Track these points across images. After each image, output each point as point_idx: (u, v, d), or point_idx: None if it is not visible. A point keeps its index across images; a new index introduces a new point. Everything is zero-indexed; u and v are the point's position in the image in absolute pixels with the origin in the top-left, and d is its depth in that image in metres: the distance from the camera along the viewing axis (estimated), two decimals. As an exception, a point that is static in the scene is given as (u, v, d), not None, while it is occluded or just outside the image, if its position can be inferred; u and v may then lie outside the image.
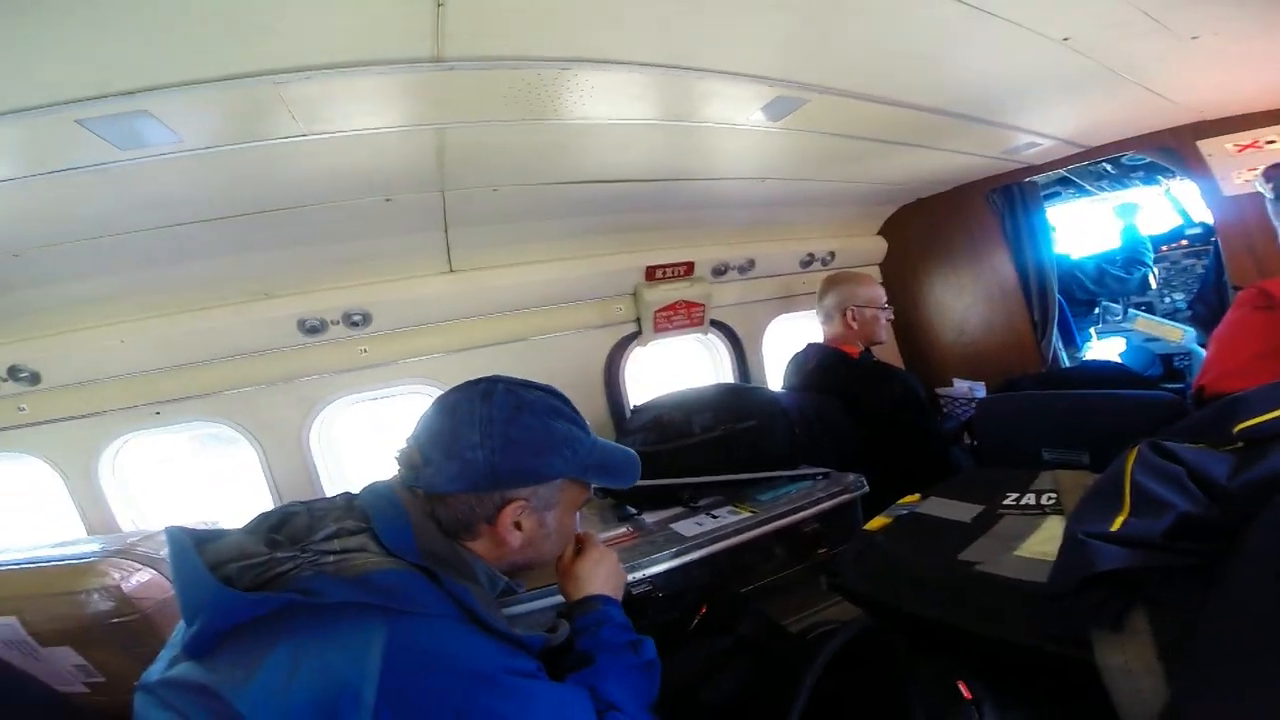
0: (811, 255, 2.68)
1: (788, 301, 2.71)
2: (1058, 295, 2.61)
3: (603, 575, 1.02)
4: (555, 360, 2.22)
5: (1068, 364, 2.69)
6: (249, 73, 0.98)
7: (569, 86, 1.23)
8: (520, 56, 1.10)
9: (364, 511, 0.87)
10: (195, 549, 0.78)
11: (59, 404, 1.85)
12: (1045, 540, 1.02)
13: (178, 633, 0.81)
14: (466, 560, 0.90)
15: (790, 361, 2.32)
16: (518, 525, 0.90)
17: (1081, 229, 3.10)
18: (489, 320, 2.18)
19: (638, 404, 2.16)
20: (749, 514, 1.60)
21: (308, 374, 1.97)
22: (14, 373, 1.74)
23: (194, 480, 2.19)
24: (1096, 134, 2.13)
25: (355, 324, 1.94)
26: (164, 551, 1.57)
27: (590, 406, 2.24)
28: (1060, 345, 2.68)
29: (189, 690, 0.71)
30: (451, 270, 2.09)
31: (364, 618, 0.71)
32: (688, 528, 1.57)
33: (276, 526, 0.87)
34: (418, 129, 1.30)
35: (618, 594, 1.03)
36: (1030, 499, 1.21)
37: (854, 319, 2.25)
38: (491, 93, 1.20)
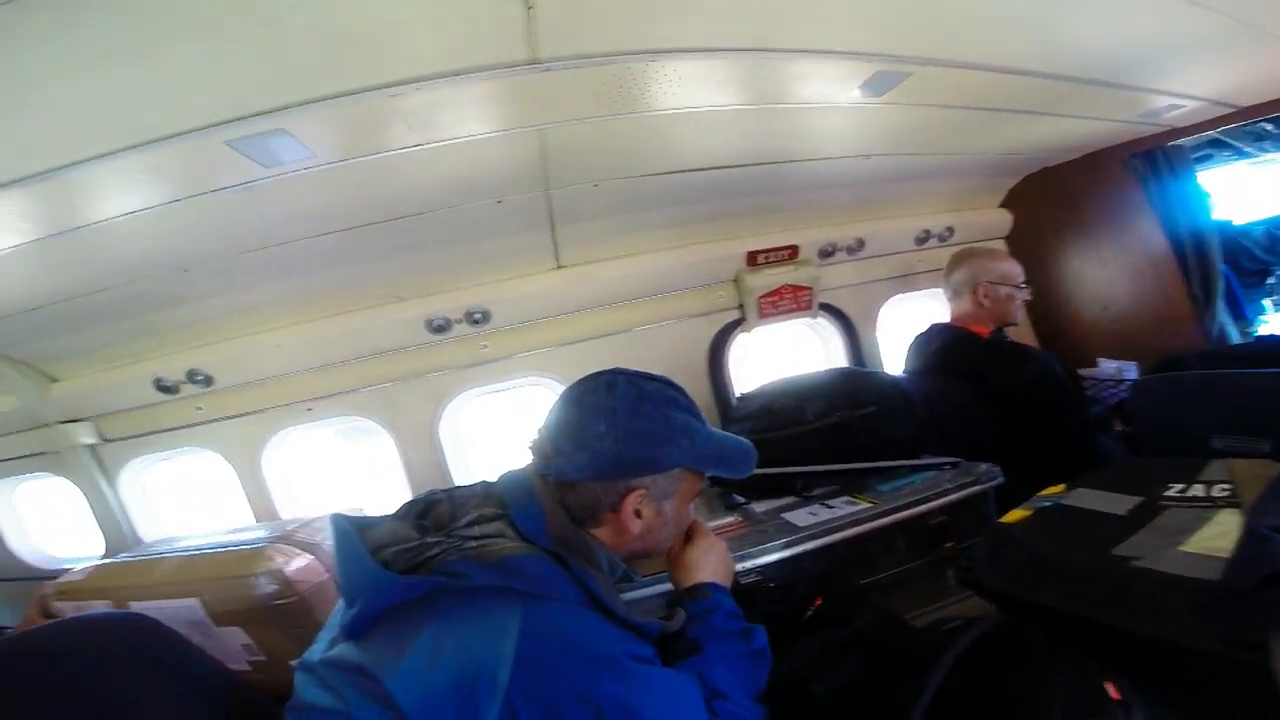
0: (927, 232, 2.52)
1: (904, 281, 2.55)
2: (1221, 266, 2.29)
3: (713, 563, 1.02)
4: (659, 349, 2.23)
5: (1238, 340, 2.36)
6: (366, 87, 1.05)
7: (657, 78, 1.23)
8: (609, 52, 1.11)
9: (501, 499, 0.92)
10: (357, 535, 0.84)
11: (229, 403, 2.09)
12: (1217, 535, 0.92)
13: (336, 615, 0.87)
14: (591, 547, 0.92)
15: (912, 343, 2.19)
16: (638, 513, 0.92)
17: (1243, 193, 2.72)
18: (596, 313, 2.22)
19: (744, 391, 2.13)
20: (868, 505, 1.53)
21: (436, 370, 2.11)
22: (192, 376, 2.00)
23: (339, 470, 2.40)
24: (1250, 93, 1.86)
25: (476, 322, 2.04)
26: (319, 537, 1.75)
27: (694, 394, 2.17)
28: (1228, 320, 2.35)
29: (346, 670, 0.76)
30: (559, 266, 2.16)
31: (502, 601, 0.75)
32: (801, 518, 1.53)
33: (423, 513, 0.93)
34: (520, 131, 1.35)
35: (727, 582, 1.03)
36: (1198, 490, 1.09)
37: (986, 296, 2.08)
38: (586, 90, 1.22)
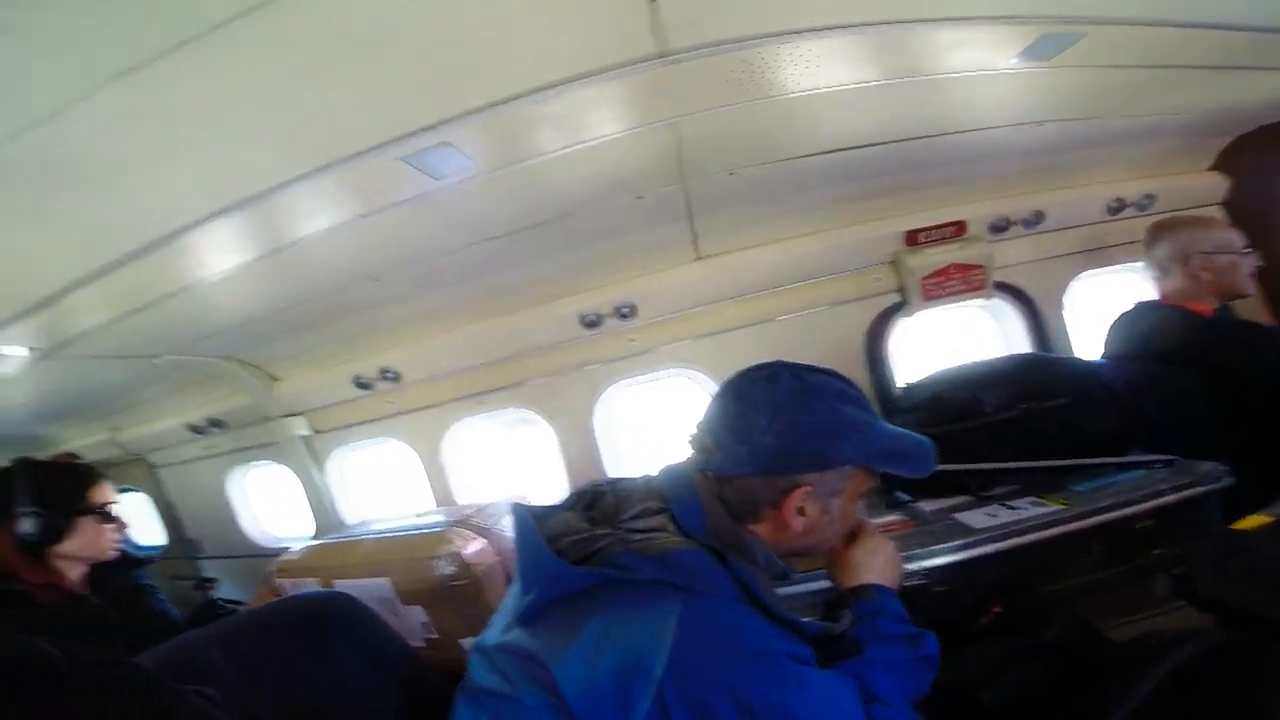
0: (1121, 200, 2.18)
1: (1096, 255, 2.23)
2: None
3: (879, 563, 0.98)
4: (809, 337, 2.14)
5: None
6: (513, 95, 1.10)
7: (790, 60, 1.18)
8: (737, 38, 1.08)
9: (662, 493, 0.92)
10: (536, 524, 0.88)
11: (414, 397, 2.34)
12: None
13: (510, 599, 0.91)
14: (749, 543, 0.90)
15: (1114, 325, 1.91)
16: (801, 511, 0.89)
17: None
18: (740, 303, 2.19)
19: (908, 381, 1.98)
20: (1059, 506, 1.39)
21: (590, 363, 2.20)
22: (384, 373, 2.25)
23: (508, 459, 2.58)
24: None
25: (624, 316, 2.10)
26: (491, 522, 1.88)
27: (849, 386, 2.10)
28: None
29: (517, 655, 0.79)
30: (699, 257, 2.15)
31: (663, 595, 0.75)
32: (976, 519, 1.42)
33: (590, 504, 0.95)
34: (654, 126, 1.35)
35: (895, 584, 0.99)
36: None
37: (1203, 269, 1.77)
38: (716, 79, 1.20)
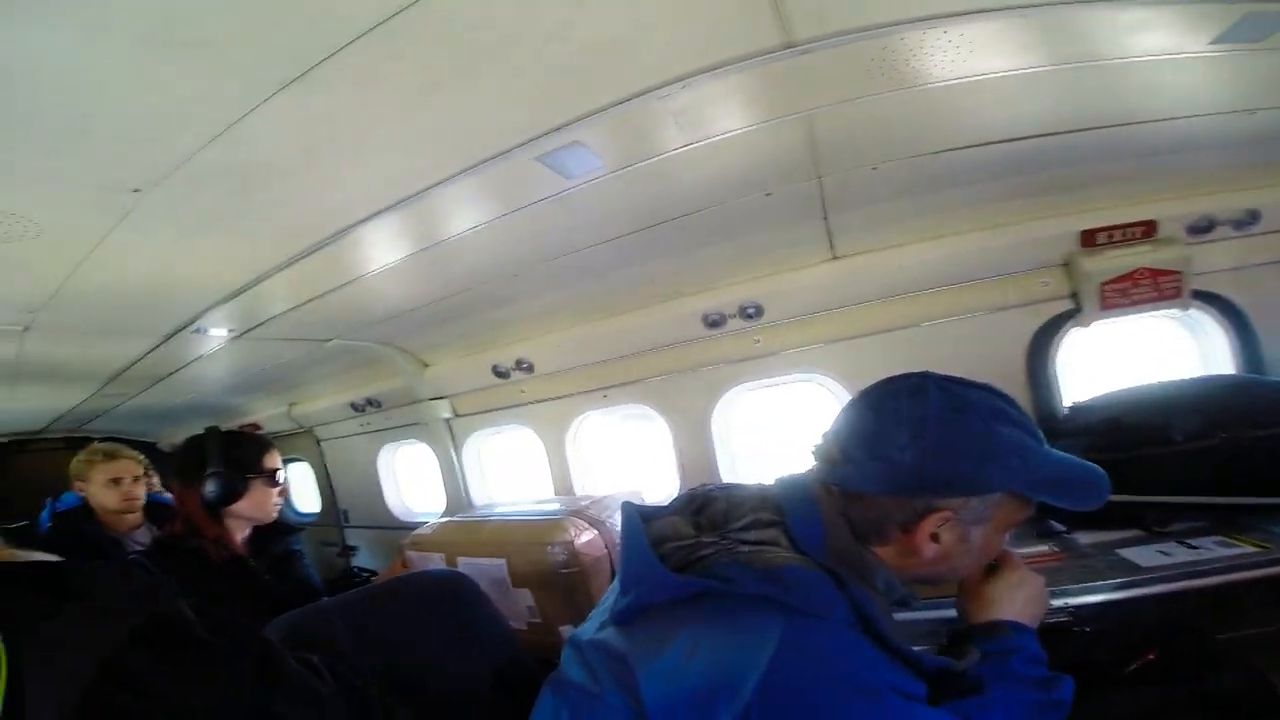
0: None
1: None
2: None
3: (1021, 601, 0.89)
4: (959, 347, 1.96)
5: None
6: (637, 91, 1.09)
7: (938, 46, 1.07)
8: (873, 25, 1.00)
9: (778, 504, 0.86)
10: (642, 524, 0.86)
11: (544, 388, 2.45)
12: None
13: (608, 597, 0.89)
14: (870, 565, 0.84)
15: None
16: (935, 537, 0.81)
17: None
18: (877, 306, 2.05)
19: (1076, 402, 1.76)
20: (1253, 549, 1.26)
21: (711, 364, 2.18)
22: (519, 364, 2.39)
23: (625, 453, 2.64)
24: None
25: (750, 316, 2.05)
26: (604, 514, 1.89)
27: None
28: None
29: (607, 655, 0.77)
30: (834, 257, 2.05)
31: (765, 612, 0.70)
32: (1146, 556, 1.31)
33: (699, 509, 0.91)
34: (784, 120, 1.29)
35: (1034, 623, 0.89)
36: None
37: None
38: (852, 68, 1.12)
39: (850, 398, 0.91)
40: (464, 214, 1.50)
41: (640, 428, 2.47)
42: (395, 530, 3.54)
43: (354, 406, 3.17)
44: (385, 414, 3.19)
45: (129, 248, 1.36)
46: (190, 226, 1.33)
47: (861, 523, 0.84)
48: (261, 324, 2.07)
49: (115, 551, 1.95)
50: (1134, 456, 1.49)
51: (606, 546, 1.80)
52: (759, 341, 2.11)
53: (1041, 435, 0.84)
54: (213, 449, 1.59)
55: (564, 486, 2.58)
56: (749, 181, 1.62)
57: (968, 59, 1.14)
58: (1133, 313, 1.81)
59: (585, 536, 1.75)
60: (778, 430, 2.31)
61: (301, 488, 4.48)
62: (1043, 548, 1.46)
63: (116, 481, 2.04)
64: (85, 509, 2.05)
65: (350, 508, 3.87)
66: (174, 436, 4.60)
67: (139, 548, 1.98)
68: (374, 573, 2.12)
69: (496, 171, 1.26)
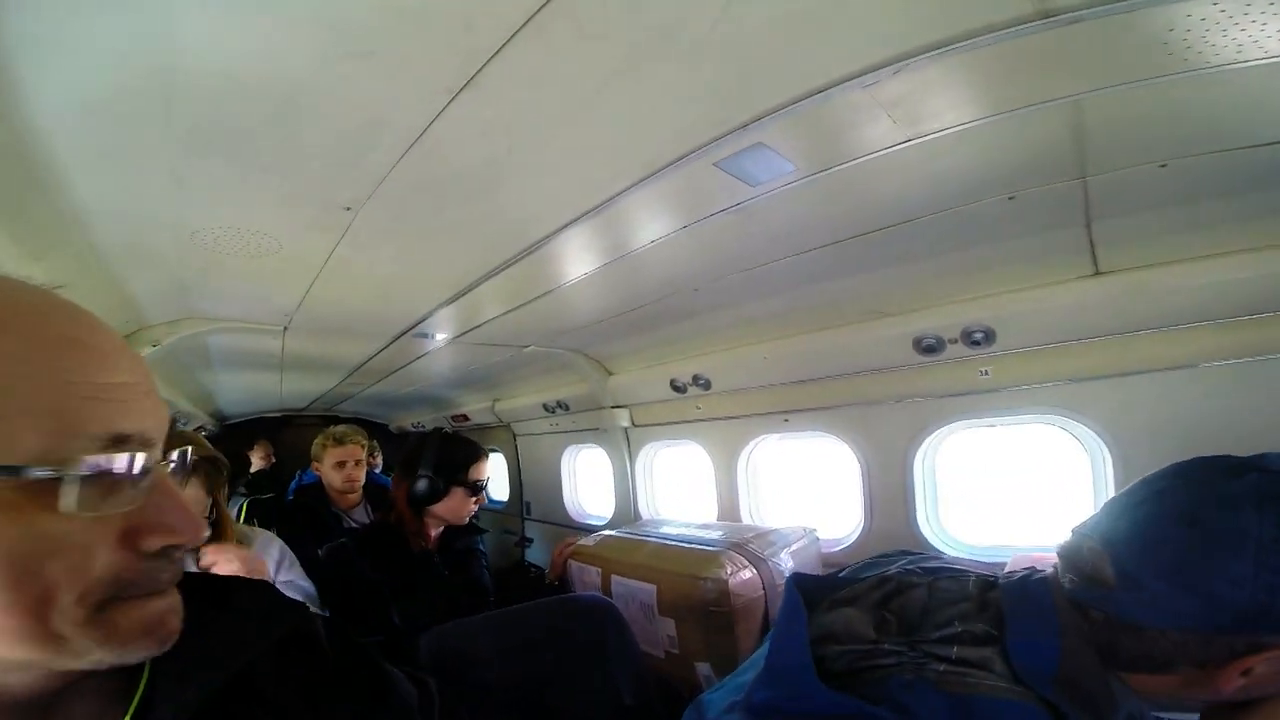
0: None
1: None
2: None
3: None
4: (1256, 398, 1.43)
5: None
6: (836, 80, 0.88)
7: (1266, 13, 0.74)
8: None
9: (999, 612, 0.65)
10: (806, 614, 0.71)
11: (720, 406, 2.34)
12: None
13: (749, 669, 0.76)
14: (1113, 695, 0.65)
15: None
16: (1247, 672, 0.61)
17: None
18: (1155, 336, 1.58)
19: None
20: None
21: (920, 395, 1.87)
22: (696, 379, 2.30)
23: (803, 484, 2.42)
24: None
25: (976, 342, 1.71)
26: (768, 551, 1.69)
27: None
28: None
29: None
30: (1097, 273, 1.62)
31: None
32: None
33: (889, 597, 0.73)
34: (1040, 108, 1.00)
35: None
36: None
37: None
38: (1136, 42, 0.83)
39: (1129, 484, 0.67)
40: (646, 225, 1.44)
41: (825, 459, 2.23)
42: (567, 529, 3.71)
43: (546, 407, 3.38)
44: (572, 417, 3.35)
45: (352, 262, 1.53)
46: (401, 242, 1.44)
47: (1129, 655, 0.63)
48: (470, 330, 2.27)
49: (336, 526, 2.27)
50: None
51: (764, 588, 1.63)
52: (987, 373, 1.76)
53: None
54: (428, 453, 1.73)
55: (730, 511, 2.44)
56: (985, 183, 1.33)
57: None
58: None
59: (742, 575, 1.60)
60: (1001, 483, 1.92)
61: (496, 477, 4.96)
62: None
63: (342, 464, 2.36)
64: (319, 486, 2.43)
65: (533, 501, 4.16)
66: (403, 421, 5.40)
67: (355, 525, 2.27)
68: (544, 569, 2.18)
69: (674, 179, 1.17)
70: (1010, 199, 1.38)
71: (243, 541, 1.50)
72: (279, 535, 2.27)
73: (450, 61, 0.82)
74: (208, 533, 0.40)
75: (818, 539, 1.94)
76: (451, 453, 1.73)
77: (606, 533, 2.11)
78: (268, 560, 1.51)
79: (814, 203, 1.34)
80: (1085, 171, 1.27)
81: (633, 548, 1.88)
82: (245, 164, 1.03)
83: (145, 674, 0.47)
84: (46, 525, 0.36)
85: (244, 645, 0.51)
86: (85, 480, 0.37)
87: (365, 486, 2.48)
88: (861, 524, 2.04)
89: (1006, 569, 1.07)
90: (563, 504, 3.74)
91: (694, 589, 1.58)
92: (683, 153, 1.09)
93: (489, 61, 0.82)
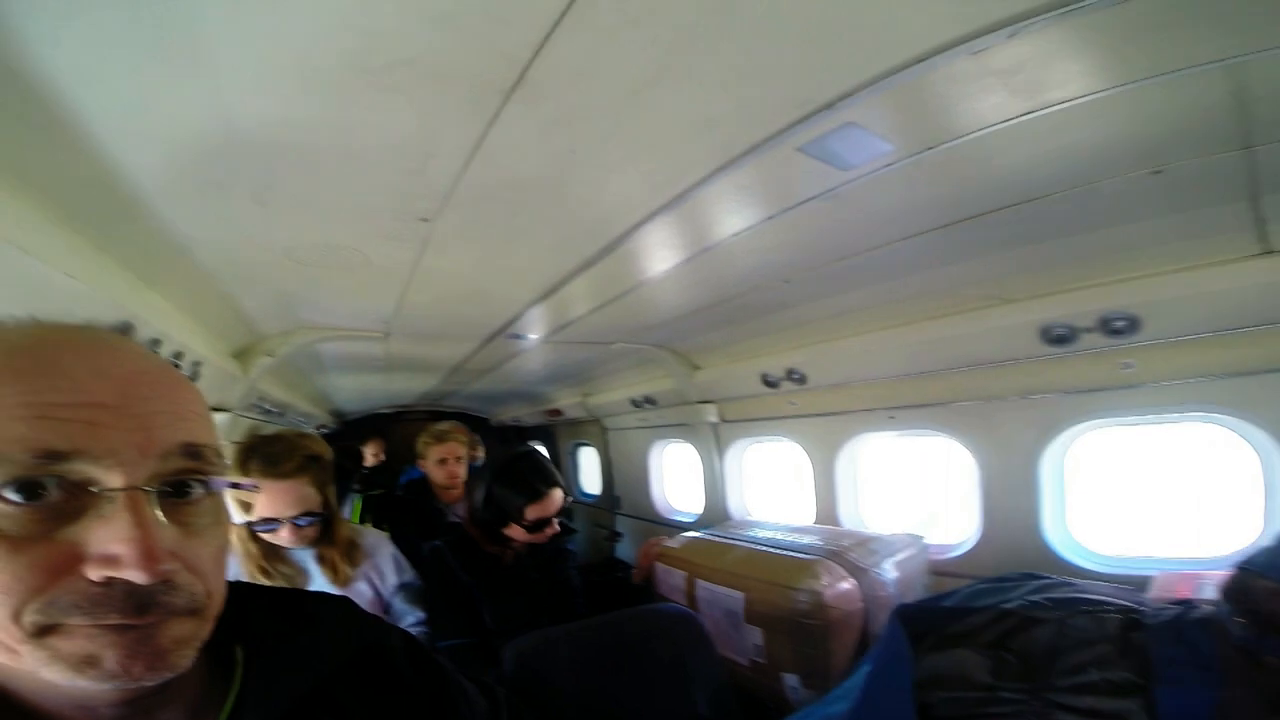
0: None
1: None
2: None
3: None
4: None
5: None
6: (939, 47, 0.77)
7: None
8: None
9: (1146, 659, 0.56)
10: (911, 656, 0.63)
11: (817, 402, 2.24)
12: None
13: (840, 698, 0.71)
14: None
15: None
16: None
17: None
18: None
19: None
20: None
21: (1050, 390, 1.69)
22: (790, 374, 2.21)
23: (906, 485, 2.28)
24: None
25: (1116, 331, 1.51)
26: (869, 561, 1.58)
27: None
28: None
29: None
30: (1266, 251, 1.39)
31: None
32: None
33: (1010, 634, 0.64)
34: (1193, 71, 0.85)
35: None
36: None
37: None
38: None
39: None
40: (726, 218, 1.37)
41: (936, 458, 2.08)
42: (654, 525, 3.71)
43: (634, 402, 3.39)
44: (659, 412, 3.35)
45: (436, 271, 1.57)
46: (483, 248, 1.46)
47: None
48: (558, 330, 2.31)
49: (440, 520, 2.36)
50: None
51: (863, 599, 1.52)
52: (1130, 366, 1.56)
53: None
54: (478, 490, 1.66)
55: (828, 513, 2.32)
56: (1126, 156, 1.17)
57: None
58: None
59: (839, 587, 1.49)
60: (1149, 492, 1.70)
61: (588, 470, 5.06)
62: None
63: (443, 461, 2.45)
64: (424, 481, 2.55)
65: (623, 495, 4.20)
66: (502, 415, 5.64)
67: (458, 519, 2.36)
68: (629, 566, 2.16)
69: (753, 168, 1.08)
70: (1156, 173, 1.21)
71: (355, 540, 1.50)
72: (393, 527, 2.40)
73: (493, 62, 0.79)
74: (168, 567, 0.37)
75: (926, 547, 1.80)
76: (503, 496, 1.61)
77: (693, 534, 2.05)
78: (382, 564, 1.53)
79: (920, 184, 1.23)
80: (1251, 141, 1.09)
81: (720, 551, 1.82)
82: (316, 185, 1.07)
83: (236, 684, 0.49)
84: None
85: (326, 657, 0.52)
86: (10, 498, 0.36)
87: (468, 482, 2.57)
88: (977, 530, 1.88)
89: (1151, 593, 0.92)
90: (651, 500, 3.75)
91: (785, 599, 1.49)
92: (760, 139, 1.00)
93: (535, 58, 0.78)
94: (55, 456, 0.37)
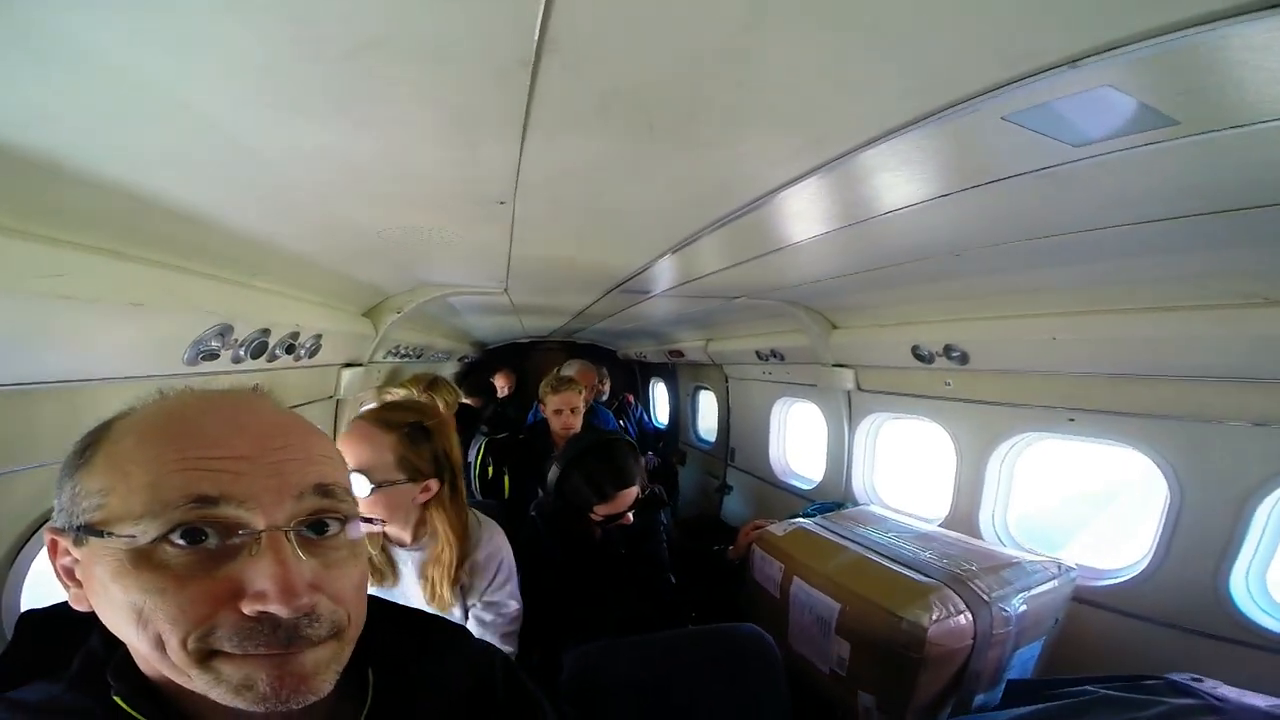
0: None
1: None
2: None
3: None
4: None
5: None
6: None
7: None
8: None
9: None
10: None
11: (977, 386, 1.96)
12: None
13: None
14: None
15: None
16: None
17: None
18: None
19: None
20: None
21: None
22: (948, 350, 1.93)
23: (1069, 500, 1.96)
24: None
25: None
26: (996, 593, 1.36)
27: None
28: None
29: None
30: None
31: None
32: None
33: None
34: None
35: None
36: None
37: None
38: None
39: None
40: (894, 189, 1.09)
41: (1111, 471, 1.75)
42: (767, 485, 3.60)
43: (759, 355, 3.24)
44: (786, 368, 3.16)
45: (529, 244, 1.51)
46: (562, 227, 1.39)
47: None
48: (676, 286, 2.21)
49: None
50: None
51: (974, 637, 1.32)
52: None
53: None
54: (551, 472, 1.65)
55: (966, 517, 2.07)
56: None
57: None
58: None
59: (950, 623, 1.30)
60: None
61: (706, 415, 5.03)
62: None
63: (559, 412, 2.50)
64: (545, 425, 2.63)
65: (738, 448, 4.12)
66: (628, 350, 5.75)
67: None
68: (735, 531, 2.06)
69: (953, 129, 0.81)
70: None
71: (470, 536, 1.34)
72: (512, 471, 2.46)
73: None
74: (307, 600, 0.43)
75: (1073, 580, 1.52)
76: (573, 490, 1.60)
77: (800, 521, 1.91)
78: (478, 581, 1.34)
79: (1183, 168, 0.89)
80: None
81: (827, 551, 1.66)
82: (379, 178, 1.02)
83: (367, 706, 0.53)
84: (151, 581, 0.42)
85: (449, 687, 0.57)
86: (177, 542, 0.42)
87: (587, 420, 2.63)
88: (1149, 560, 1.57)
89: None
90: (768, 458, 3.64)
91: (886, 624, 1.34)
92: (966, 95, 0.73)
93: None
94: (206, 501, 0.43)
